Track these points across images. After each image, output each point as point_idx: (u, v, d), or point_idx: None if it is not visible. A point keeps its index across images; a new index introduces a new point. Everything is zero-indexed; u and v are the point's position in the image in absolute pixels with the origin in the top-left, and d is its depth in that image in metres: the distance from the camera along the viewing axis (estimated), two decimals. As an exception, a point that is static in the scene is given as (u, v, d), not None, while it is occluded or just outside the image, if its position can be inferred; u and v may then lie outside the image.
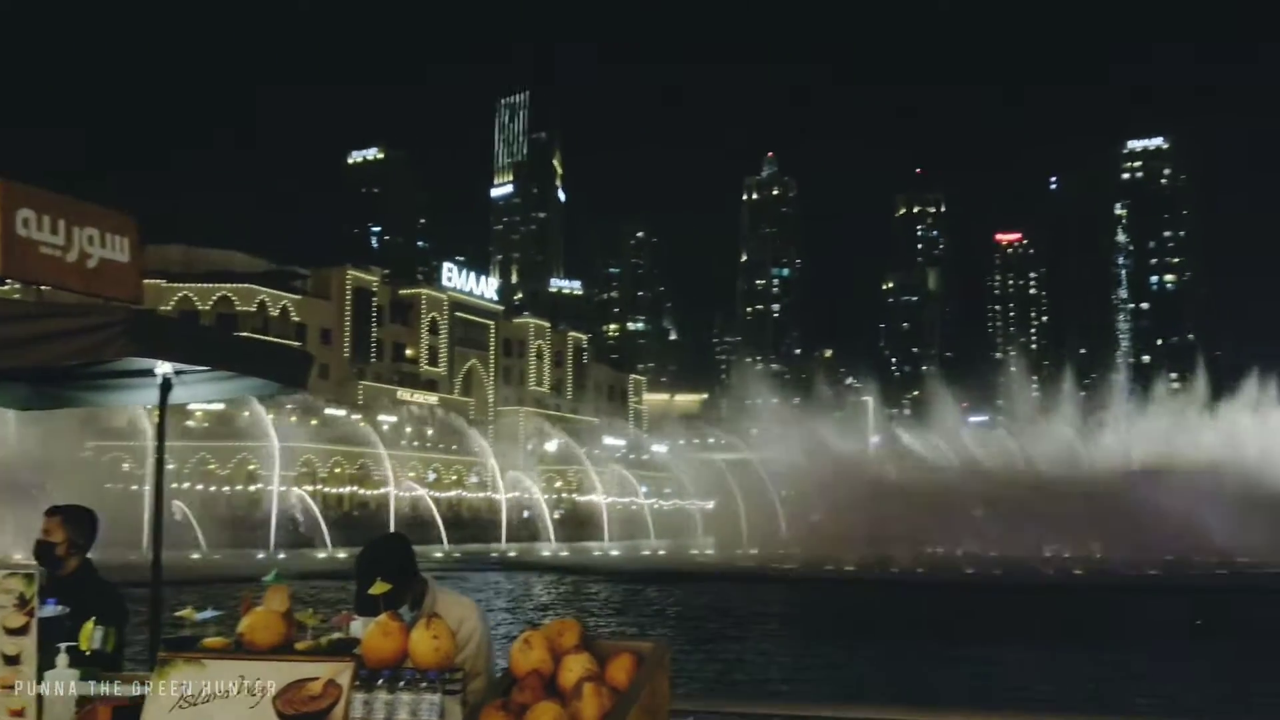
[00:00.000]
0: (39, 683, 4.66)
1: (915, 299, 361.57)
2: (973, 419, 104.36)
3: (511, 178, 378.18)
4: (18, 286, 5.91)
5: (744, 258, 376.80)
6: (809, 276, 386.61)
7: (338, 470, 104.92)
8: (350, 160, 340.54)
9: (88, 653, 4.82)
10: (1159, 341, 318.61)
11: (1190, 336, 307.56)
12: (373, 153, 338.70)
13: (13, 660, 4.66)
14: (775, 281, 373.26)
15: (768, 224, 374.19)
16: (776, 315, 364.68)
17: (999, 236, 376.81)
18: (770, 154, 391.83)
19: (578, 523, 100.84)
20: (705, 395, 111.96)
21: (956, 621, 33.29)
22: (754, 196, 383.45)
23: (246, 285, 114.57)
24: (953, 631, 30.42)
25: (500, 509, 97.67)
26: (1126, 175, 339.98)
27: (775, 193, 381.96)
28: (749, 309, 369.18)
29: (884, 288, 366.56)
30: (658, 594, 44.81)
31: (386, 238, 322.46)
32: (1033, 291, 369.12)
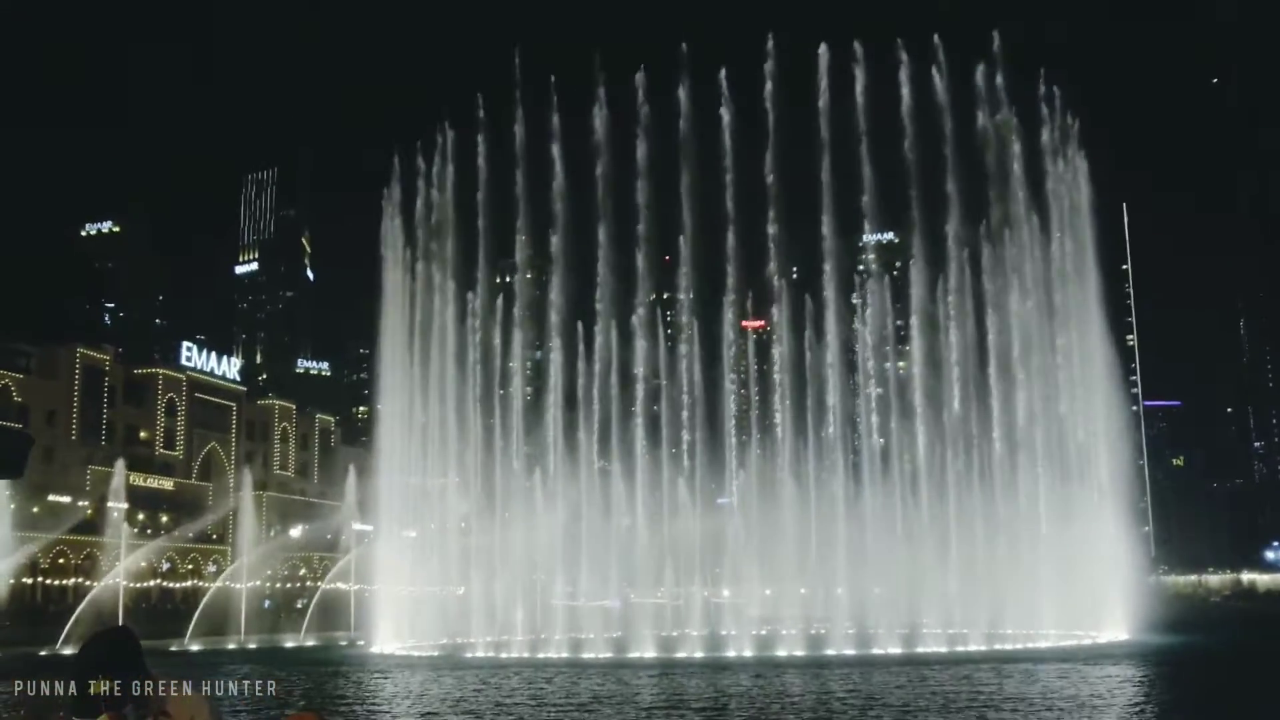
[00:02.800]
0: None
1: (663, 383, 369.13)
2: (718, 501, 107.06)
3: (257, 255, 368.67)
4: None
5: (496, 340, 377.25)
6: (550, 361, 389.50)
7: (61, 560, 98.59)
8: (84, 233, 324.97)
9: None
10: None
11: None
12: (107, 225, 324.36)
13: None
14: (528, 364, 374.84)
15: (512, 309, 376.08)
16: (528, 398, 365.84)
17: (745, 324, 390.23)
18: (523, 237, 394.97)
19: (323, 611, 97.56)
20: (454, 478, 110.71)
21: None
22: (507, 279, 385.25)
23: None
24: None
25: (240, 599, 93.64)
26: (861, 267, 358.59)
27: (528, 275, 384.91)
28: (500, 391, 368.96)
29: (634, 372, 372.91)
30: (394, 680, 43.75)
31: (121, 314, 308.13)
32: (776, 376, 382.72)
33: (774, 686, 41.88)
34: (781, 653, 62.64)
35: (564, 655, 63.09)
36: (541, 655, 63.61)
